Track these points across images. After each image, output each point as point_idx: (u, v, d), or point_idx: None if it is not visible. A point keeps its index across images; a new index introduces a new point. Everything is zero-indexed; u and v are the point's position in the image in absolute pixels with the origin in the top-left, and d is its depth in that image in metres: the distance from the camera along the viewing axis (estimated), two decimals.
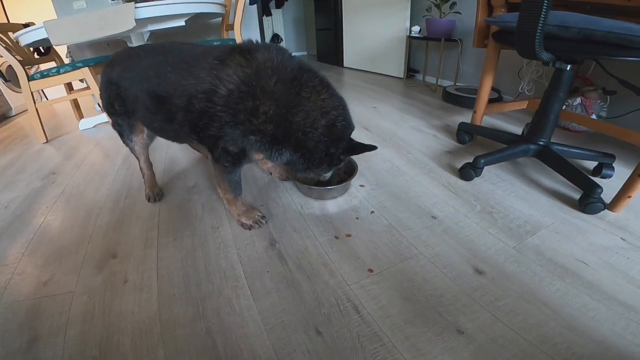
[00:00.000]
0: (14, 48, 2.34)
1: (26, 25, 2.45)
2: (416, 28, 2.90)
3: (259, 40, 1.00)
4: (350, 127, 0.98)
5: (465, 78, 2.75)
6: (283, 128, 0.90)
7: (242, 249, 1.04)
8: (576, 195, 1.17)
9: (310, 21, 5.49)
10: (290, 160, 0.98)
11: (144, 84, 1.01)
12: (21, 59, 2.26)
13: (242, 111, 0.88)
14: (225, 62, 0.88)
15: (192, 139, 1.02)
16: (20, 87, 2.26)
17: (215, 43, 2.47)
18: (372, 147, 1.00)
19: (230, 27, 2.79)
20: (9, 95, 3.31)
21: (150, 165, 1.35)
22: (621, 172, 1.29)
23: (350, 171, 1.31)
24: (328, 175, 1.13)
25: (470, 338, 0.73)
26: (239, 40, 2.60)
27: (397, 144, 1.71)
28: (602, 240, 0.98)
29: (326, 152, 0.95)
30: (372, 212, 1.17)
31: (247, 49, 0.89)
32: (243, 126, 0.89)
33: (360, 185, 1.33)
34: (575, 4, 1.19)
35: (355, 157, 1.28)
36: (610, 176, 1.28)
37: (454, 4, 2.50)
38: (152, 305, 0.86)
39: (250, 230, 1.11)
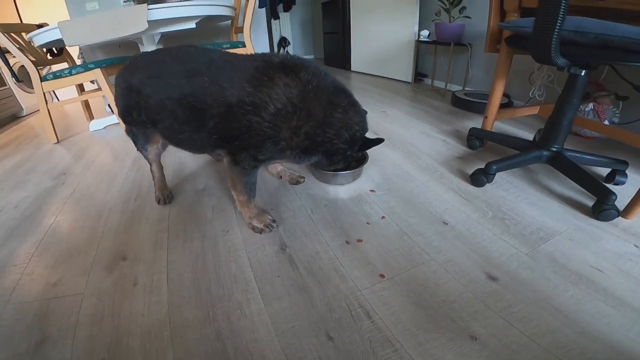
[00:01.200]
0: (27, 48, 2.36)
1: (40, 26, 2.48)
2: (425, 32, 2.90)
3: (275, 47, 1.04)
4: (365, 132, 1.10)
5: (474, 83, 2.74)
6: (317, 143, 1.00)
7: (252, 252, 1.03)
8: (588, 201, 1.16)
9: (318, 24, 5.51)
10: (316, 161, 1.10)
11: (174, 93, 0.98)
12: (34, 59, 2.28)
13: (286, 129, 0.95)
14: (274, 80, 0.92)
15: (220, 146, 1.03)
16: (32, 88, 2.28)
17: (225, 46, 2.48)
18: (380, 141, 1.12)
19: (240, 30, 2.81)
20: (20, 95, 3.35)
21: (161, 168, 1.35)
22: (634, 179, 1.28)
23: (362, 160, 1.40)
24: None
25: (483, 344, 0.72)
26: (248, 43, 2.61)
27: (407, 148, 1.70)
28: (615, 247, 0.97)
29: (344, 155, 1.08)
30: (383, 217, 1.16)
31: (291, 68, 0.94)
32: (285, 142, 0.97)
33: (370, 190, 1.32)
34: (591, 10, 1.18)
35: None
36: (623, 183, 1.26)
37: (463, 8, 2.49)
38: (162, 308, 0.86)
39: (261, 233, 1.11)
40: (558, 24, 0.92)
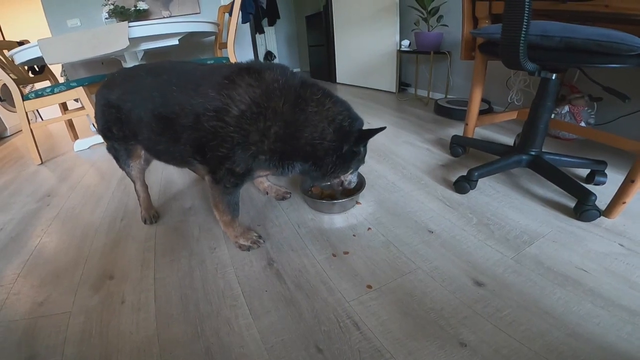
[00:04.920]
0: (8, 66, 2.33)
1: (21, 43, 2.45)
2: (406, 42, 2.95)
3: (261, 60, 1.03)
4: (358, 121, 1.00)
5: (455, 90, 2.79)
6: (292, 145, 0.94)
7: (239, 269, 1.03)
8: (571, 203, 1.17)
9: (303, 38, 5.57)
10: (304, 170, 1.01)
11: (149, 105, 0.99)
12: (16, 77, 2.25)
13: (254, 132, 0.90)
14: (235, 82, 0.89)
15: (196, 160, 1.00)
16: (15, 107, 2.25)
17: (209, 62, 2.50)
18: (381, 128, 1.00)
19: (224, 46, 2.83)
20: (4, 115, 3.30)
21: (146, 187, 1.34)
22: (614, 178, 1.29)
23: (358, 186, 1.31)
24: (354, 179, 1.15)
25: (473, 350, 0.72)
26: (232, 58, 2.63)
27: (392, 159, 1.72)
28: (600, 247, 0.98)
29: (338, 154, 0.98)
30: (369, 228, 1.16)
31: (254, 69, 0.92)
32: (255, 147, 0.92)
33: (356, 203, 1.33)
34: (556, 13, 1.21)
35: None
36: (603, 183, 1.28)
37: (441, 17, 2.54)
38: (150, 325, 0.86)
39: (248, 251, 1.10)
40: (524, 29, 0.94)
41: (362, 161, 1.10)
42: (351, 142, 0.98)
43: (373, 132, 0.99)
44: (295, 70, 0.99)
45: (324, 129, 0.94)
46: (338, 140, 0.96)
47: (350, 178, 1.13)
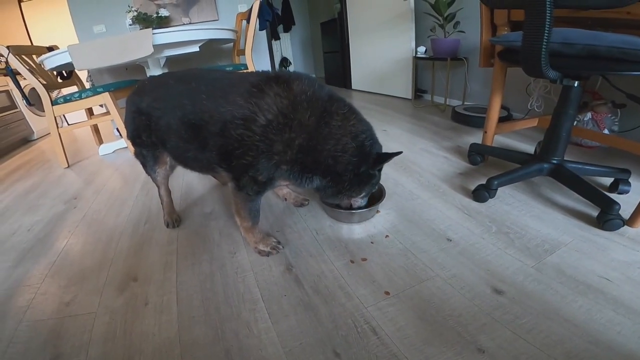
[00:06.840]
0: (38, 71, 2.40)
1: (50, 49, 2.53)
2: (422, 48, 2.95)
3: (277, 68, 1.04)
4: (377, 145, 1.04)
5: (473, 97, 2.76)
6: (314, 157, 0.95)
7: (259, 273, 1.05)
8: (593, 212, 1.15)
9: (318, 44, 5.61)
10: (320, 186, 1.02)
11: (178, 113, 1.01)
12: (45, 82, 2.32)
13: (279, 142, 0.91)
14: (264, 91, 0.90)
15: (221, 167, 1.01)
16: (42, 111, 2.31)
17: (227, 68, 2.54)
18: (397, 153, 1.03)
19: (242, 52, 2.88)
20: (31, 118, 3.41)
21: (169, 192, 1.38)
22: (638, 187, 1.27)
23: (378, 195, 1.31)
24: (363, 203, 1.18)
25: (492, 356, 0.72)
26: (250, 65, 2.68)
27: (409, 167, 1.71)
28: (623, 256, 0.97)
29: (355, 173, 0.99)
30: (387, 236, 1.17)
31: (283, 79, 0.93)
32: (278, 156, 0.93)
33: (376, 212, 1.32)
34: (577, 20, 1.19)
35: None
36: (627, 192, 1.26)
37: (457, 23, 2.53)
38: (172, 327, 0.88)
39: (268, 256, 1.12)
40: (545, 37, 0.93)
41: (375, 186, 1.12)
42: (370, 163, 1.00)
43: (390, 155, 1.01)
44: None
45: (346, 143, 0.95)
46: (358, 157, 0.97)
47: (360, 202, 1.17)
